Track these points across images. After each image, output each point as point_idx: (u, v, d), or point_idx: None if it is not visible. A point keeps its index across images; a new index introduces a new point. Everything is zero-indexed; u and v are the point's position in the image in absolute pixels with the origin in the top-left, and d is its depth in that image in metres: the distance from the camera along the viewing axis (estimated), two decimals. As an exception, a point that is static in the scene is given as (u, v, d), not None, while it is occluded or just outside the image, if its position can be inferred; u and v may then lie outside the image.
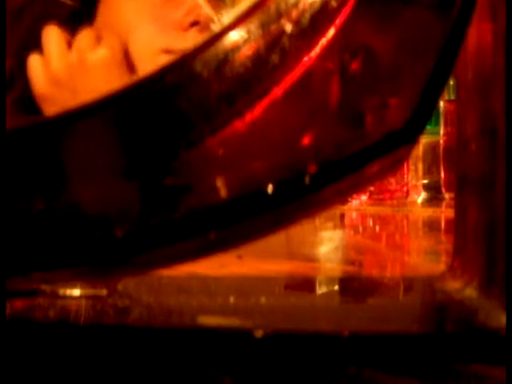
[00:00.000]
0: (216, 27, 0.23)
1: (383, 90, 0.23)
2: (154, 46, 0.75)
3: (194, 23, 0.75)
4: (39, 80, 0.72)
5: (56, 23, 0.72)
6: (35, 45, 0.73)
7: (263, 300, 0.31)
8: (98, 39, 0.72)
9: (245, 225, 0.23)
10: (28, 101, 0.73)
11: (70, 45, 0.72)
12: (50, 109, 0.72)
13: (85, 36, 0.72)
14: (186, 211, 0.22)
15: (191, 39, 0.74)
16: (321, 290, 0.35)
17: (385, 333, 0.26)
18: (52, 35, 0.72)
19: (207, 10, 0.74)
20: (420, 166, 1.10)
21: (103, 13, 0.77)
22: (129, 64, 0.74)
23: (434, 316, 0.30)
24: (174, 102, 0.22)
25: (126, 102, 0.23)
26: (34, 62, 0.72)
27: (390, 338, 0.25)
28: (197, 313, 0.28)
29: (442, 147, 1.09)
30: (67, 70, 0.72)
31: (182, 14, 0.75)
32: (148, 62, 0.73)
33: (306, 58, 0.22)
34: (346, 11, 0.23)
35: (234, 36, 0.23)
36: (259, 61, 0.22)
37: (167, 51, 0.74)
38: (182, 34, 0.75)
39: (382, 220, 0.90)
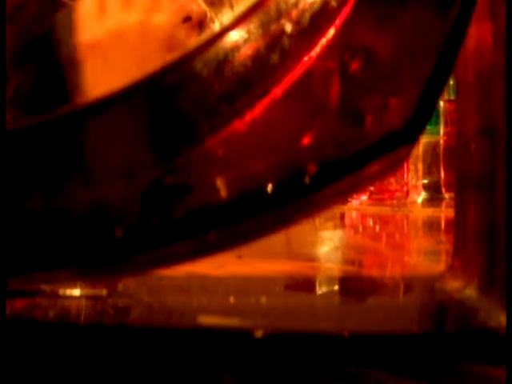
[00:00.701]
0: (216, 27, 0.23)
1: (383, 90, 0.23)
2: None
3: (186, 19, 0.75)
4: (68, 41, 0.71)
5: None
6: (30, 46, 0.73)
7: (263, 300, 0.31)
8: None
9: (245, 225, 0.23)
10: (23, 99, 0.73)
11: (102, 6, 0.71)
12: (77, 78, 0.70)
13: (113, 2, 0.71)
14: (186, 211, 0.22)
15: (183, 35, 0.74)
16: (321, 290, 0.35)
17: (385, 333, 0.26)
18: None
19: (200, 5, 0.74)
20: (420, 166, 1.10)
21: None
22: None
23: (433, 316, 0.30)
24: (174, 102, 0.22)
25: (126, 101, 0.23)
26: (63, 21, 0.70)
27: (390, 338, 0.25)
28: (197, 313, 0.28)
29: (442, 147, 1.09)
30: (104, 37, 0.70)
31: (173, 10, 0.75)
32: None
33: (306, 58, 0.22)
34: (346, 11, 0.23)
35: (234, 36, 0.23)
36: (259, 61, 0.22)
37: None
38: (174, 29, 0.75)
39: (382, 220, 0.90)
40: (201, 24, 0.73)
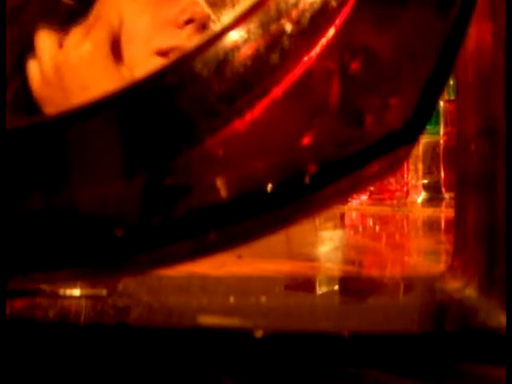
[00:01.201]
0: (216, 27, 0.23)
1: (383, 90, 0.23)
2: (148, 43, 0.75)
3: (189, 21, 0.75)
4: (34, 84, 0.73)
5: (49, 26, 0.73)
6: (33, 44, 0.73)
7: (263, 300, 0.31)
8: (86, 35, 0.73)
9: (245, 225, 0.23)
10: (24, 100, 0.74)
11: (60, 44, 0.73)
12: (48, 110, 0.72)
13: (73, 34, 0.73)
14: (186, 211, 0.22)
15: (186, 37, 0.74)
16: (321, 290, 0.35)
17: (385, 333, 0.26)
18: (43, 38, 0.73)
19: (203, 7, 0.74)
20: (420, 166, 1.10)
21: (98, 10, 0.77)
22: (117, 55, 0.74)
23: (433, 316, 0.30)
24: (174, 102, 0.22)
25: (126, 101, 0.23)
26: (31, 66, 0.73)
27: (390, 338, 0.25)
28: (197, 313, 0.28)
29: (442, 147, 1.09)
30: (56, 70, 0.72)
31: (177, 12, 0.75)
32: (142, 61, 0.73)
33: (306, 58, 0.22)
34: (346, 11, 0.23)
35: (234, 36, 0.23)
36: (259, 61, 0.22)
37: (162, 49, 0.74)
38: (177, 31, 0.75)
39: (381, 220, 0.90)
40: (204, 26, 0.74)
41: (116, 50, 0.74)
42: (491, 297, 0.27)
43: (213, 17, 0.73)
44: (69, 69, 0.72)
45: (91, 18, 0.76)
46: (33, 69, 0.73)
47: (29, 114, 0.74)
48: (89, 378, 0.24)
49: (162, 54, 0.74)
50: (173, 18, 0.75)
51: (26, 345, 0.25)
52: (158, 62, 0.71)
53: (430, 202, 1.06)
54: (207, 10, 0.73)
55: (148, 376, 0.24)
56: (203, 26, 0.74)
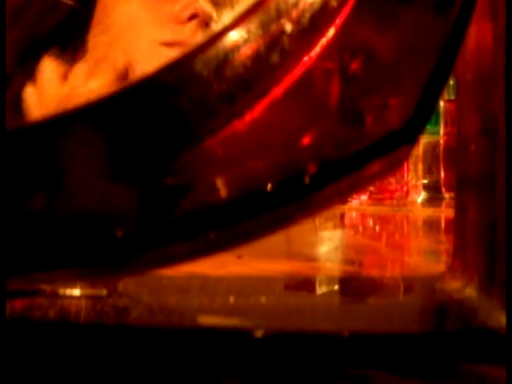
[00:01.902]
0: (216, 27, 0.23)
1: (383, 90, 0.23)
2: (152, 40, 0.75)
3: (192, 17, 0.75)
4: (32, 111, 0.73)
5: (55, 54, 0.73)
6: (33, 46, 0.74)
7: (263, 300, 0.31)
8: (92, 72, 0.73)
9: (245, 225, 0.23)
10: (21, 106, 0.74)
11: (65, 76, 0.73)
12: None
13: (79, 70, 0.73)
14: (186, 211, 0.22)
15: (189, 33, 0.75)
16: (321, 290, 0.35)
17: (385, 333, 0.26)
18: (48, 68, 0.73)
19: (205, 4, 0.74)
20: (420, 166, 1.10)
21: (100, 13, 0.77)
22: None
23: (434, 316, 0.30)
24: (174, 102, 0.22)
25: (126, 101, 0.23)
26: (29, 95, 0.73)
27: (390, 338, 0.25)
28: (197, 313, 0.28)
29: (442, 147, 1.09)
30: (59, 102, 0.72)
31: (179, 8, 0.76)
32: (147, 57, 0.74)
33: (306, 58, 0.22)
34: (346, 11, 0.23)
35: (234, 36, 0.23)
36: (259, 61, 0.22)
37: (166, 44, 0.74)
38: (180, 27, 0.75)
39: (382, 220, 0.90)
40: (207, 24, 0.74)
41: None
42: (491, 297, 0.27)
43: (214, 14, 0.73)
44: (73, 103, 0.72)
45: (94, 25, 0.77)
46: (32, 96, 0.74)
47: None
48: (89, 377, 0.24)
49: (168, 45, 0.75)
50: (175, 15, 0.76)
51: (26, 345, 0.25)
52: (163, 53, 0.72)
53: (430, 202, 1.06)
54: (208, 6, 0.74)
55: (148, 376, 0.24)
56: (206, 24, 0.75)
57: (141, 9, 0.76)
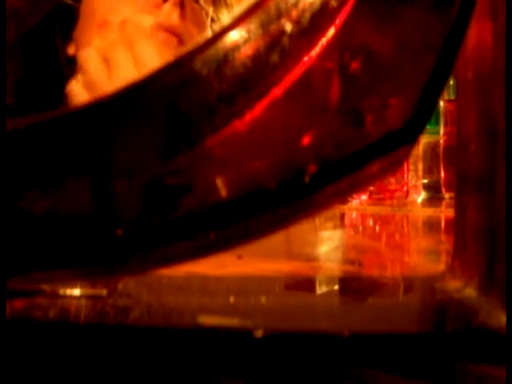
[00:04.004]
0: (216, 27, 0.23)
1: (383, 89, 0.23)
2: (132, 22, 0.77)
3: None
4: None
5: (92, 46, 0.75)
6: (33, 45, 0.74)
7: (263, 300, 0.31)
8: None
9: (245, 225, 0.23)
10: (28, 89, 0.75)
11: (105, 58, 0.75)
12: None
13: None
14: (186, 211, 0.22)
15: (165, 14, 0.77)
16: (321, 290, 0.35)
17: (385, 333, 0.26)
18: (90, 57, 0.75)
19: (205, 3, 0.76)
20: (420, 166, 1.10)
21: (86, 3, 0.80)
22: None
23: (434, 316, 0.30)
24: (174, 102, 0.22)
25: (126, 101, 0.23)
26: (76, 88, 0.75)
27: (390, 338, 0.25)
28: (197, 313, 0.28)
29: (441, 147, 1.09)
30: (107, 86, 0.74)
31: None
32: (141, 40, 0.75)
33: (306, 58, 0.22)
34: (346, 11, 0.23)
35: (234, 36, 0.23)
36: (259, 60, 0.22)
37: (152, 29, 0.76)
38: (157, 11, 0.78)
39: (382, 220, 0.90)
40: (182, 4, 0.77)
41: None
42: (491, 297, 0.27)
43: (211, 13, 0.74)
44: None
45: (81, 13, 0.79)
46: (81, 91, 0.75)
47: (32, 103, 0.75)
48: (89, 377, 0.24)
49: (153, 29, 0.77)
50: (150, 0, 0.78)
51: (26, 345, 0.25)
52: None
53: (430, 202, 1.06)
54: (208, 6, 0.76)
55: (148, 376, 0.24)
56: (181, 4, 0.77)
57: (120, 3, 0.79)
